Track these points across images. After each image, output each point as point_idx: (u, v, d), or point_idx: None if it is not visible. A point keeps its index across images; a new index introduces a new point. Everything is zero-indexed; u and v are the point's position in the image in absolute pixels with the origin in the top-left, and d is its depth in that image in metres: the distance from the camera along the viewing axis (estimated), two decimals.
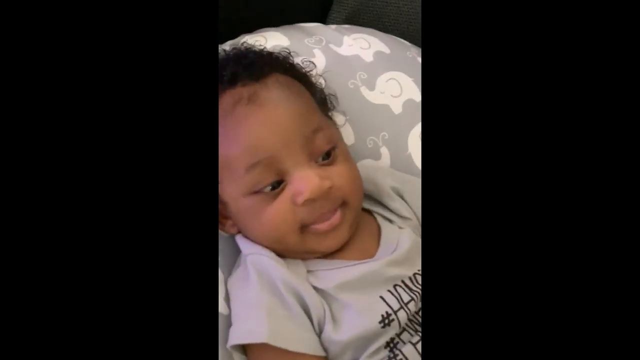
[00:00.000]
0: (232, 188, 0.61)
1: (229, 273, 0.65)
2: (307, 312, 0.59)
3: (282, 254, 0.63)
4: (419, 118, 0.77)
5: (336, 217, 0.61)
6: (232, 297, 0.63)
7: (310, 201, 0.59)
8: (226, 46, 0.75)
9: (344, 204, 0.62)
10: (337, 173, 0.62)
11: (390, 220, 0.69)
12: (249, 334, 0.58)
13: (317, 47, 0.78)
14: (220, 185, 0.62)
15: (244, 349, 0.61)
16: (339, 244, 0.63)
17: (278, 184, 0.60)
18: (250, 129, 0.60)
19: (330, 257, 0.64)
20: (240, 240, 0.65)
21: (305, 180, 0.59)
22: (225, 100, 0.62)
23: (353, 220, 0.64)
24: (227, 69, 0.64)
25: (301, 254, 0.64)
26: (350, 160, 0.66)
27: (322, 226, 0.61)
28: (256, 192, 0.60)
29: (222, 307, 0.62)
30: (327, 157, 0.62)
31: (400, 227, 0.68)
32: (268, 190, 0.60)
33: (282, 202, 0.60)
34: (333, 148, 0.63)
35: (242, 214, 0.63)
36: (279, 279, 0.59)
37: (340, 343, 0.58)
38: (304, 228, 0.61)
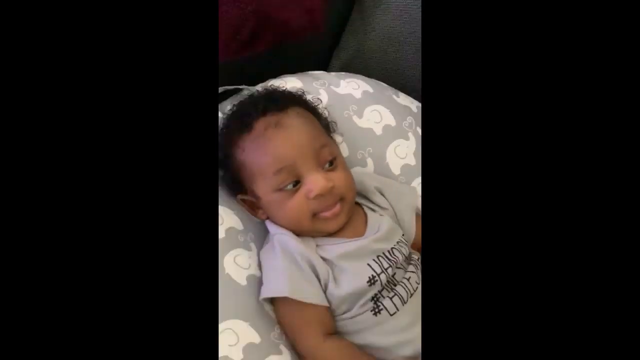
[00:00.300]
0: (263, 186, 0.70)
1: (261, 247, 0.72)
2: (317, 275, 0.66)
3: (298, 234, 0.70)
4: (393, 137, 0.85)
5: (337, 208, 0.69)
6: (262, 264, 0.70)
7: (319, 196, 0.67)
8: (258, 87, 0.84)
9: (342, 199, 0.70)
10: (337, 177, 0.70)
11: (373, 210, 0.77)
12: (276, 290, 0.66)
13: (321, 87, 0.86)
14: (255, 184, 0.70)
15: (271, 301, 0.68)
16: (339, 226, 0.71)
17: (296, 184, 0.68)
18: (277, 145, 0.68)
19: (333, 236, 0.71)
20: (269, 224, 0.72)
21: (315, 181, 0.67)
22: (259, 125, 0.70)
23: (348, 210, 0.71)
24: (260, 103, 0.73)
25: (312, 234, 0.71)
26: (346, 168, 0.74)
27: (327, 214, 0.69)
28: (280, 190, 0.69)
29: (256, 272, 0.69)
30: (330, 165, 0.70)
31: (381, 215, 0.76)
32: (289, 188, 0.68)
33: (299, 197, 0.68)
34: (334, 158, 0.71)
35: (270, 205, 0.71)
36: (296, 251, 0.67)
37: (339, 297, 0.66)
38: (314, 215, 0.69)
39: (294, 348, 0.67)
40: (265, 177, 0.69)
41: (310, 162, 0.68)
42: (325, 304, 0.66)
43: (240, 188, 0.74)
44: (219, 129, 0.77)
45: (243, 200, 0.74)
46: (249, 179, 0.71)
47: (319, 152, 0.69)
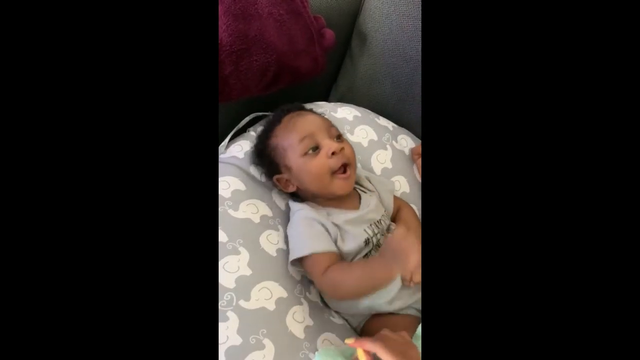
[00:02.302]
0: (292, 155, 0.70)
1: (285, 227, 0.72)
2: (328, 232, 0.68)
3: (316, 201, 0.71)
4: (375, 148, 0.86)
5: (348, 173, 0.70)
6: (289, 236, 0.69)
7: (334, 154, 0.68)
8: None
9: (349, 165, 0.70)
10: (345, 145, 0.71)
11: (364, 192, 0.77)
12: (301, 250, 0.66)
13: (324, 113, 0.83)
14: (286, 158, 0.70)
15: (298, 262, 0.67)
16: (349, 189, 0.71)
17: (316, 148, 0.69)
18: (300, 124, 0.71)
19: (339, 207, 0.71)
20: (293, 204, 0.72)
21: (330, 144, 0.69)
22: (286, 118, 0.73)
23: (353, 177, 0.71)
24: (285, 108, 0.77)
25: (328, 195, 0.70)
26: (349, 143, 0.74)
27: (342, 175, 0.69)
28: (305, 154, 0.69)
29: (283, 245, 0.69)
30: (338, 138, 0.72)
31: (370, 195, 0.76)
32: (311, 153, 0.69)
33: (320, 157, 0.69)
34: (341, 135, 0.73)
35: (299, 169, 0.70)
36: (314, 219, 0.68)
37: (344, 252, 0.67)
38: (332, 174, 0.69)
39: (311, 299, 0.69)
40: (293, 148, 0.70)
41: (324, 133, 0.70)
42: (335, 250, 0.67)
43: (275, 171, 0.73)
44: (256, 135, 0.78)
45: (277, 180, 0.73)
46: (281, 156, 0.71)
47: (329, 128, 0.72)
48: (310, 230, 0.68)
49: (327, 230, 0.68)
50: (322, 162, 0.69)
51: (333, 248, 0.67)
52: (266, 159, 0.74)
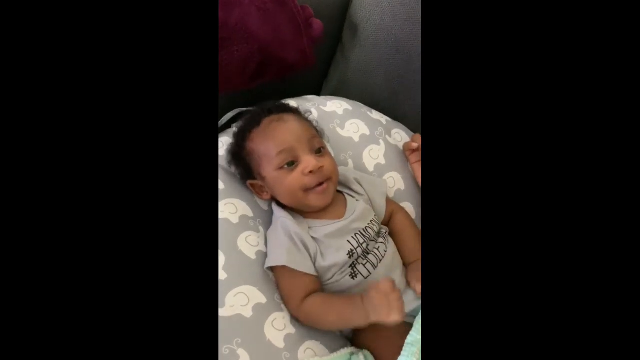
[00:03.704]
0: (268, 166, 0.66)
1: (267, 228, 0.69)
2: (308, 251, 0.63)
3: (293, 209, 0.66)
4: (368, 143, 0.81)
5: (324, 186, 0.65)
6: (268, 241, 0.66)
7: (311, 173, 0.64)
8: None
9: (329, 179, 0.66)
10: (326, 161, 0.66)
11: (352, 196, 0.73)
12: (276, 260, 0.62)
13: (313, 107, 0.83)
14: (261, 167, 0.66)
15: (272, 269, 0.64)
16: (326, 203, 0.66)
17: (292, 163, 0.65)
18: (279, 133, 0.66)
19: (320, 218, 0.67)
20: (275, 209, 0.68)
21: (309, 161, 0.64)
22: (265, 121, 0.68)
23: (333, 190, 0.68)
24: (265, 108, 0.71)
25: (304, 208, 0.66)
26: (332, 156, 0.71)
27: (318, 190, 0.65)
28: (281, 168, 0.65)
29: (263, 248, 0.66)
30: (319, 152, 0.67)
31: (357, 200, 0.72)
32: (287, 167, 0.65)
33: (296, 174, 0.64)
34: (323, 148, 0.68)
35: (273, 182, 0.66)
36: (293, 231, 0.64)
37: (325, 267, 0.63)
38: (307, 190, 0.65)
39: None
40: (269, 159, 0.66)
41: (304, 146, 0.66)
42: (313, 273, 0.63)
43: (249, 175, 0.69)
44: (233, 133, 0.73)
45: (251, 185, 0.70)
46: (256, 163, 0.67)
47: (311, 140, 0.67)
48: (289, 243, 0.64)
49: (307, 248, 0.64)
50: (296, 179, 0.65)
51: (311, 270, 0.63)
52: (241, 161, 0.70)
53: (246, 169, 0.70)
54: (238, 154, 0.70)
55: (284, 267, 0.62)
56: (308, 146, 0.67)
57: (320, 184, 0.65)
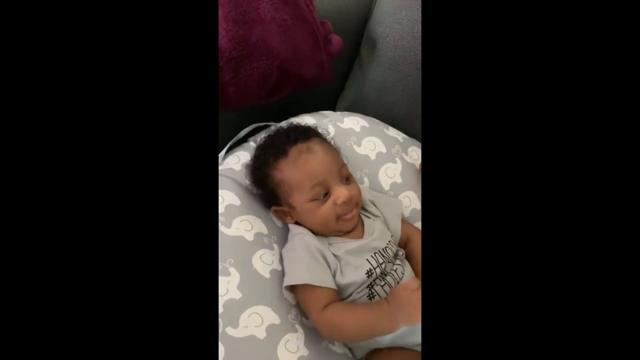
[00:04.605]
0: (299, 198, 0.66)
1: (283, 246, 0.68)
2: (328, 265, 0.63)
3: (322, 233, 0.67)
4: (384, 162, 0.81)
5: (354, 212, 0.67)
6: (285, 259, 0.66)
7: (344, 204, 0.65)
8: (283, 123, 0.80)
9: (356, 205, 0.68)
10: (354, 189, 0.68)
11: (368, 217, 0.73)
12: (298, 279, 0.61)
13: (329, 123, 0.83)
14: (291, 197, 0.66)
15: (292, 288, 0.64)
16: (353, 226, 0.68)
17: (325, 195, 0.66)
18: (311, 166, 0.66)
19: (342, 237, 0.68)
20: (292, 227, 0.69)
21: (341, 192, 0.65)
22: (293, 151, 0.67)
23: (357, 213, 0.69)
24: (291, 135, 0.70)
25: (334, 232, 0.67)
26: (356, 181, 0.72)
27: (348, 217, 0.66)
28: (314, 200, 0.66)
29: (277, 266, 0.65)
30: (347, 180, 0.68)
31: (373, 220, 0.72)
32: (321, 198, 0.66)
33: (328, 205, 0.66)
34: (349, 175, 0.70)
35: (305, 212, 0.67)
36: (314, 247, 0.64)
37: (343, 285, 0.63)
38: (338, 218, 0.66)
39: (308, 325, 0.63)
40: (302, 190, 0.66)
41: (336, 178, 0.67)
42: (334, 287, 0.63)
43: (274, 202, 0.69)
44: (254, 155, 0.74)
45: (275, 211, 0.70)
46: (286, 193, 0.67)
47: (340, 170, 0.68)
48: (310, 259, 0.63)
49: (327, 263, 0.64)
50: (330, 210, 0.66)
51: (332, 285, 0.63)
52: (266, 189, 0.70)
53: (271, 196, 0.70)
54: (262, 180, 0.70)
55: (305, 285, 0.61)
56: (339, 177, 0.68)
57: (350, 210, 0.67)
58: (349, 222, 0.67)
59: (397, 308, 0.56)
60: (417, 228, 0.77)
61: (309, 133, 0.72)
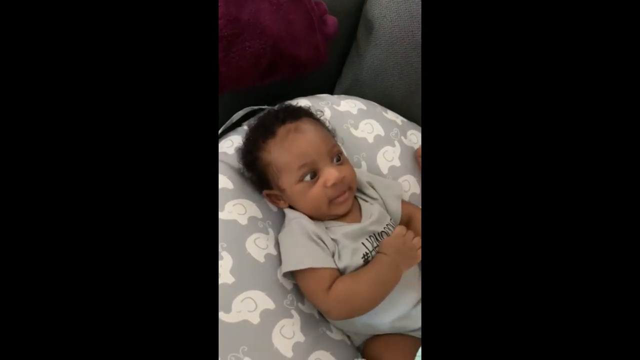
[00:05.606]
0: (287, 180, 0.64)
1: (277, 231, 0.66)
2: (329, 250, 0.62)
3: (315, 217, 0.65)
4: (382, 145, 0.79)
5: (347, 195, 0.65)
6: (281, 244, 0.64)
7: (334, 185, 0.63)
8: (277, 106, 0.76)
9: (350, 188, 0.65)
10: (346, 169, 0.65)
11: (365, 201, 0.71)
12: (298, 264, 0.60)
13: (326, 106, 0.80)
14: (280, 179, 0.64)
15: (292, 275, 0.62)
16: (347, 209, 0.66)
17: (314, 176, 0.64)
18: (298, 146, 0.64)
19: (339, 220, 0.66)
20: (288, 212, 0.67)
21: (331, 173, 0.63)
22: (281, 131, 0.65)
23: (352, 196, 0.67)
24: (279, 115, 0.68)
25: (326, 217, 0.66)
26: (350, 163, 0.69)
27: (340, 200, 0.64)
28: (302, 181, 0.63)
29: (272, 251, 0.63)
30: (338, 160, 0.65)
31: (371, 204, 0.70)
32: (309, 179, 0.63)
33: (318, 187, 0.63)
34: (341, 154, 0.67)
35: (294, 195, 0.65)
36: (312, 231, 0.62)
37: (341, 268, 0.61)
38: (330, 201, 0.64)
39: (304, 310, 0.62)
40: (289, 172, 0.64)
41: (325, 158, 0.64)
42: (336, 266, 0.61)
43: (265, 185, 0.67)
44: (244, 138, 0.72)
45: (267, 195, 0.68)
46: (274, 175, 0.65)
47: (330, 150, 0.65)
48: (308, 243, 0.61)
49: (326, 246, 0.62)
50: (319, 192, 0.64)
51: (333, 265, 0.61)
52: (256, 171, 0.68)
53: (261, 179, 0.68)
54: (252, 163, 0.68)
55: (307, 269, 0.60)
56: (328, 156, 0.65)
57: (342, 193, 0.64)
58: (341, 205, 0.65)
59: (395, 254, 0.58)
60: (418, 207, 0.75)
61: (299, 113, 0.70)
